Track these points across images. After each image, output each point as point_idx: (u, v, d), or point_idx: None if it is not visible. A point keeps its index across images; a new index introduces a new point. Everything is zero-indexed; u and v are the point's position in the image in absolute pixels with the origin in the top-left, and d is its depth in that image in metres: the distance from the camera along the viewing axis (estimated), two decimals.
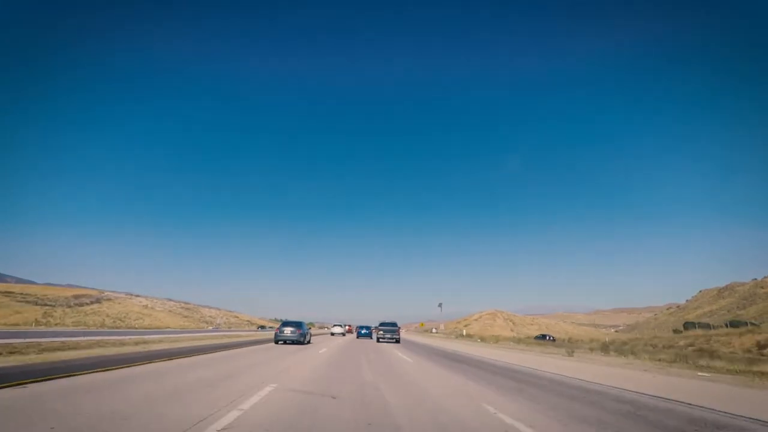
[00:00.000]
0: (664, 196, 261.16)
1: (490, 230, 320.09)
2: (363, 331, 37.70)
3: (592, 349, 20.11)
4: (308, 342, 22.87)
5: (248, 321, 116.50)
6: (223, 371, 8.91)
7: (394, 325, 30.31)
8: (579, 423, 4.95)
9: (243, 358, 12.78)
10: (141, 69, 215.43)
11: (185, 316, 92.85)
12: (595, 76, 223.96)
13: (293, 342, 21.40)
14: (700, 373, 11.29)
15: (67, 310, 66.98)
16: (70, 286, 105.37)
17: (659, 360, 14.97)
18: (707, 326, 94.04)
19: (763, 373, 10.49)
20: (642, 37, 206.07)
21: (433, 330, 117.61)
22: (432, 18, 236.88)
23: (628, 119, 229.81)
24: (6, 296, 68.85)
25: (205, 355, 13.27)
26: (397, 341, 29.28)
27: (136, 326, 65.03)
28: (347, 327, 53.06)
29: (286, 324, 22.31)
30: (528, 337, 55.51)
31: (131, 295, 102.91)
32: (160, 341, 20.73)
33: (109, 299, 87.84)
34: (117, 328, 54.42)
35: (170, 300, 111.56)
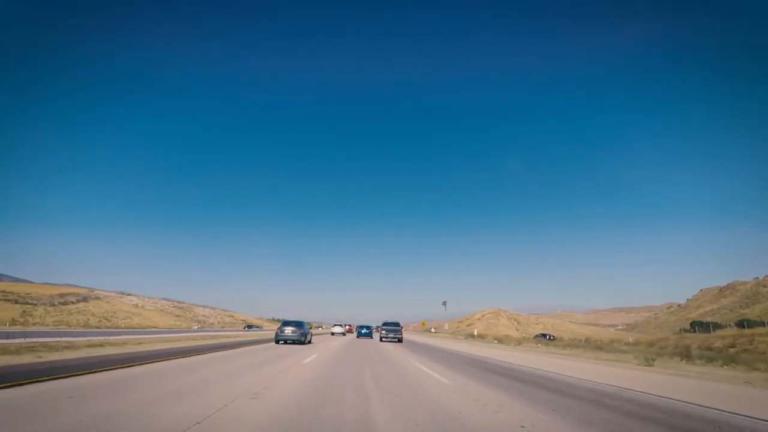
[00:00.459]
0: (662, 195, 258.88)
1: (490, 230, 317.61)
2: (363, 331, 37.48)
3: (659, 355, 16.58)
4: (309, 342, 22.41)
5: (243, 320, 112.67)
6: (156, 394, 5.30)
7: (396, 324, 31.13)
8: None
9: (208, 367, 9.26)
10: (140, 68, 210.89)
11: (177, 316, 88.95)
12: (595, 76, 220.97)
13: (294, 342, 20.96)
14: None
15: (50, 308, 63.07)
16: (67, 285, 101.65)
17: (755, 369, 11.46)
18: (715, 326, 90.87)
19: None
20: (642, 37, 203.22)
21: (432, 330, 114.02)
22: (432, 18, 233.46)
23: (628, 118, 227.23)
24: None
25: (169, 362, 10.49)
26: (400, 340, 30.12)
27: (122, 326, 61.26)
28: (347, 327, 52.43)
29: (286, 324, 21.85)
30: (535, 337, 52.42)
31: (122, 293, 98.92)
32: (124, 343, 17.41)
33: (97, 298, 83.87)
34: (100, 327, 50.73)
35: (164, 299, 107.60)
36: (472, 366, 12.22)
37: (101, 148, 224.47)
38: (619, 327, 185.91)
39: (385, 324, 31.77)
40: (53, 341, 16.47)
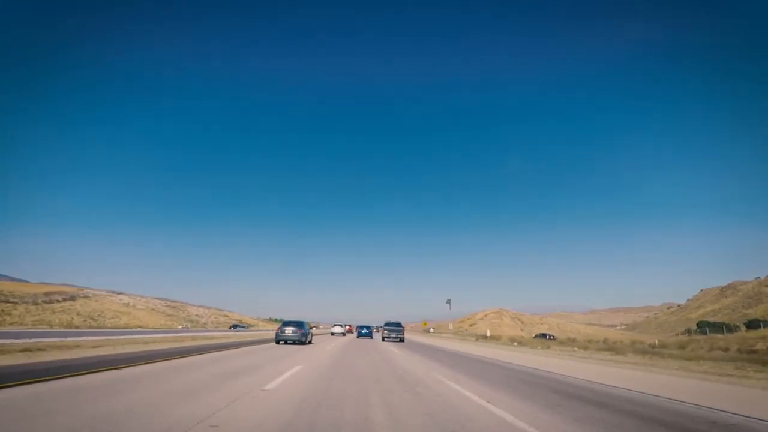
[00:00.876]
0: (661, 195, 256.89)
1: (489, 230, 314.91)
2: (363, 331, 37.26)
3: (713, 360, 13.59)
4: (309, 342, 22.02)
5: (239, 320, 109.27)
6: None
7: (398, 325, 31.30)
8: None
9: (156, 383, 6.11)
10: (139, 68, 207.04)
11: (168, 315, 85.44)
12: (595, 76, 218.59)
13: (294, 342, 20.65)
14: None
15: (32, 307, 59.48)
16: (65, 285, 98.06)
17: None
18: (723, 326, 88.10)
19: None
20: (642, 37, 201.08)
21: (431, 330, 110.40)
22: (432, 18, 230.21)
23: (628, 118, 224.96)
24: None
25: (108, 373, 7.87)
26: (401, 340, 30.27)
27: (108, 325, 57.79)
28: (347, 327, 51.75)
29: (287, 324, 21.60)
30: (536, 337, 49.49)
31: (113, 292, 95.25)
32: (95, 346, 14.35)
33: (86, 297, 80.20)
34: (83, 327, 47.43)
35: (156, 298, 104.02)
36: (523, 382, 8.87)
37: (100, 148, 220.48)
38: (618, 327, 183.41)
39: (387, 324, 32.37)
40: (20, 342, 13.35)
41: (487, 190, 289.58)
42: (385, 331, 31.45)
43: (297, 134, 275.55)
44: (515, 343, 23.66)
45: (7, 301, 59.19)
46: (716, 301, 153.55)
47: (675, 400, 6.89)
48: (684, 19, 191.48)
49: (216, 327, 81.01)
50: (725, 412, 5.77)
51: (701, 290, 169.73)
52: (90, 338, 20.12)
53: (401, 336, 30.58)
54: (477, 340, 31.04)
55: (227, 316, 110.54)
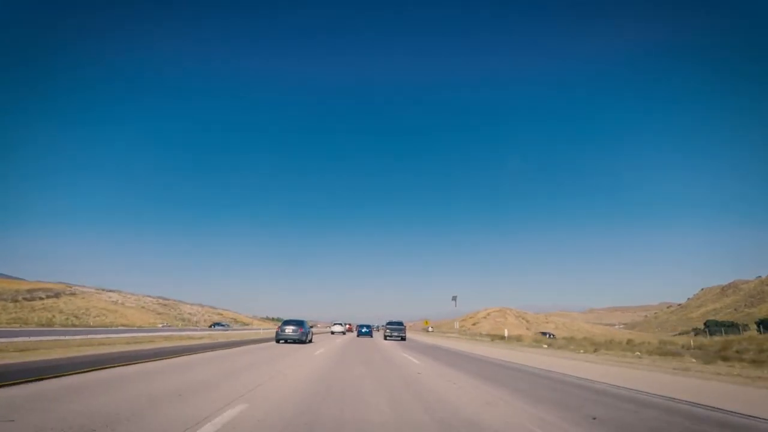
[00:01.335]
0: (660, 195, 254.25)
1: (488, 229, 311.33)
2: (363, 330, 37.37)
3: None
4: (310, 341, 21.73)
5: (233, 319, 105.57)
6: None
7: (400, 324, 31.89)
8: None
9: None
10: (139, 68, 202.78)
11: (159, 313, 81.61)
12: (596, 76, 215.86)
13: (294, 341, 20.34)
14: None
15: (9, 305, 55.58)
16: (60, 283, 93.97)
17: None
18: (733, 326, 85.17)
19: None
20: (642, 37, 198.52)
21: (430, 329, 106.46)
22: (432, 18, 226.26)
23: (628, 118, 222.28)
24: None
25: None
26: (403, 338, 30.68)
27: (91, 324, 53.98)
28: (347, 326, 51.12)
29: (287, 323, 21.35)
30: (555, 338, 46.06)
31: (102, 290, 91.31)
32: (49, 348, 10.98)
33: (73, 294, 76.28)
34: (64, 326, 43.73)
35: (148, 296, 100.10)
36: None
37: (100, 148, 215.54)
38: (617, 326, 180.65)
39: (389, 323, 33.00)
40: None
41: (486, 189, 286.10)
42: (388, 330, 32.21)
43: (297, 134, 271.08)
44: (545, 345, 19.94)
45: None
46: (717, 300, 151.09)
47: None
48: (684, 19, 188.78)
49: (210, 326, 77.29)
50: None
51: (701, 289, 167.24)
52: (51, 338, 16.71)
53: (403, 335, 31.15)
54: (493, 340, 27.38)
55: (221, 314, 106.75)
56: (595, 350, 17.27)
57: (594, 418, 4.95)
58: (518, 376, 9.38)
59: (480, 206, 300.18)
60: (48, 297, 68.50)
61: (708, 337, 66.63)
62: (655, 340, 33.30)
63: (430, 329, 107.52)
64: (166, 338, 21.74)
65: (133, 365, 8.84)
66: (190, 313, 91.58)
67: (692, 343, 26.73)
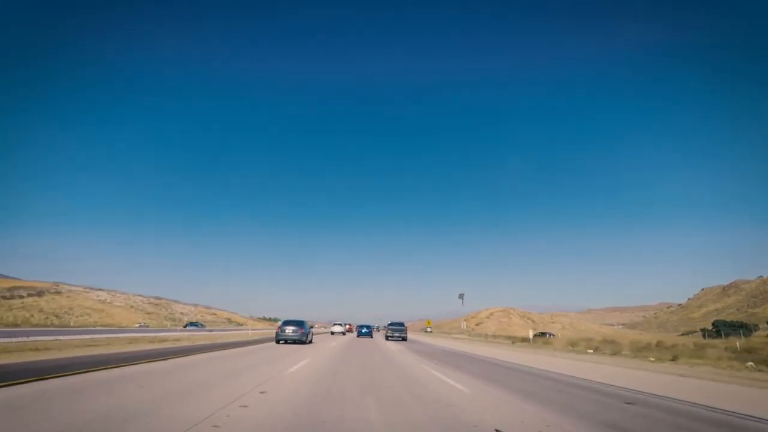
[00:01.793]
0: (660, 195, 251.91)
1: (487, 229, 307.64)
2: (363, 330, 37.31)
3: None
4: (310, 342, 21.37)
5: (227, 319, 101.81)
6: None
7: (401, 324, 31.93)
8: None
9: None
10: (139, 68, 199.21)
11: (149, 313, 77.76)
12: (596, 76, 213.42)
13: (294, 342, 19.89)
14: None
15: None
16: (56, 282, 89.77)
17: None
18: (742, 326, 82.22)
19: None
20: (642, 37, 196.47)
21: (428, 329, 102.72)
22: (432, 18, 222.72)
23: (628, 118, 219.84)
24: None
25: None
26: (404, 339, 30.57)
27: (72, 324, 50.22)
28: (347, 326, 50.55)
29: (287, 323, 20.92)
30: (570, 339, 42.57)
31: (91, 288, 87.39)
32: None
33: (58, 292, 72.35)
34: (43, 326, 40.06)
35: (139, 295, 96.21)
36: None
37: (100, 148, 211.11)
38: (617, 326, 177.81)
39: (391, 324, 33.04)
40: None
41: (486, 189, 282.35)
42: (389, 331, 32.23)
43: (297, 134, 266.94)
44: (590, 350, 16.23)
45: None
46: (718, 300, 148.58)
47: None
48: (684, 19, 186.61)
49: (210, 328, 73.52)
50: None
51: (702, 289, 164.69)
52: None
53: (404, 335, 31.29)
54: (514, 343, 23.47)
55: (215, 314, 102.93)
56: (673, 358, 13.86)
57: None
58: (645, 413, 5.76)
59: (479, 206, 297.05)
60: (29, 295, 64.61)
61: (724, 338, 63.48)
62: (688, 342, 30.02)
63: (428, 329, 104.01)
64: (131, 341, 18.18)
65: (43, 381, 5.42)
66: (182, 313, 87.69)
67: (738, 346, 23.38)
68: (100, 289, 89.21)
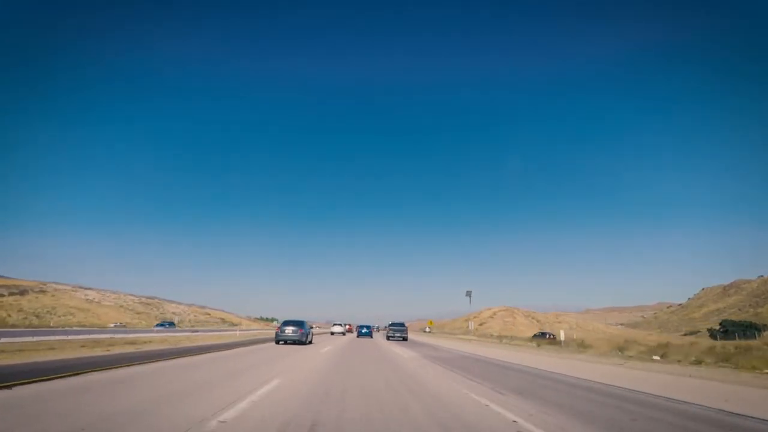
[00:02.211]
0: (659, 195, 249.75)
1: (486, 228, 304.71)
2: (363, 331, 37.32)
3: None
4: (310, 342, 20.93)
5: (221, 318, 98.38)
6: None
7: (402, 325, 31.79)
8: None
9: None
10: (138, 68, 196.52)
11: (139, 313, 74.28)
12: (596, 75, 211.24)
13: (294, 342, 19.57)
14: None
15: None
16: (43, 281, 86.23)
17: None
18: (751, 326, 79.56)
19: None
20: (642, 37, 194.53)
21: (427, 329, 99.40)
22: (432, 18, 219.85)
23: (628, 118, 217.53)
24: None
25: None
26: (405, 339, 30.55)
27: (51, 324, 46.85)
28: (347, 326, 49.76)
29: (287, 323, 20.50)
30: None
31: (80, 287, 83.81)
32: None
33: (42, 291, 68.73)
34: (19, 326, 36.80)
35: (131, 294, 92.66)
36: None
37: (101, 148, 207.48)
38: (620, 327, 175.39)
39: (392, 324, 33.16)
40: None
41: (486, 189, 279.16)
42: (390, 331, 32.25)
43: (297, 134, 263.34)
44: (656, 357, 13.12)
45: None
46: (719, 300, 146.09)
47: None
48: (684, 19, 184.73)
49: (193, 326, 70.13)
50: None
51: (702, 289, 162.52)
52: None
53: (405, 335, 31.34)
54: (539, 345, 20.10)
55: (209, 314, 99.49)
56: (697, 360, 10.82)
57: None
58: None
59: (479, 206, 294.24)
60: (11, 294, 61.02)
61: (738, 339, 60.70)
62: (716, 344, 27.11)
63: (427, 329, 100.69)
64: (93, 343, 14.96)
65: None
66: (174, 313, 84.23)
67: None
68: (89, 288, 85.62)
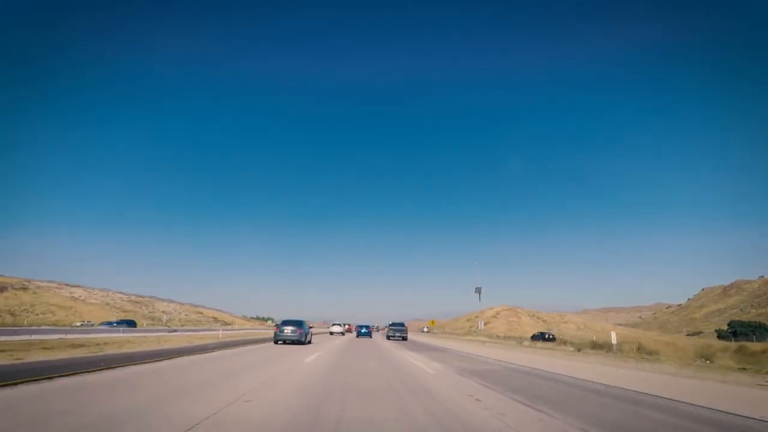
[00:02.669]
0: (658, 195, 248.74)
1: (486, 229, 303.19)
2: (362, 331, 36.99)
3: None
4: (309, 342, 20.69)
5: (214, 318, 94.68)
6: None
7: (401, 325, 31.51)
8: None
9: None
10: (138, 68, 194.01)
11: (126, 311, 70.49)
12: (596, 76, 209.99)
13: (293, 342, 19.35)
14: None
15: None
16: (27, 278, 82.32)
17: None
18: (760, 326, 76.85)
19: None
20: (642, 37, 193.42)
21: (425, 329, 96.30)
22: (432, 18, 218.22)
23: (627, 118, 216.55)
24: None
25: None
26: (404, 338, 30.36)
27: (25, 323, 43.19)
28: (346, 326, 49.07)
29: (286, 323, 20.13)
30: (582, 339, 36.26)
31: (66, 285, 79.95)
32: None
33: (23, 288, 64.81)
34: None
35: (120, 292, 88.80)
36: None
37: (100, 147, 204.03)
38: (621, 327, 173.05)
39: (392, 324, 32.99)
40: None
41: (485, 189, 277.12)
42: (390, 330, 31.90)
43: (297, 134, 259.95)
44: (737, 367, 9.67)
45: None
46: (720, 301, 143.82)
47: None
48: (684, 19, 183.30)
49: (183, 325, 66.53)
50: None
51: (702, 289, 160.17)
52: None
53: (404, 335, 31.00)
54: (579, 350, 16.44)
55: (201, 313, 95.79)
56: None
57: None
58: None
59: (478, 206, 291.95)
60: None
61: (755, 340, 57.82)
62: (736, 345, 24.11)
63: (425, 330, 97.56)
64: (39, 347, 11.57)
65: None
66: (164, 312, 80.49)
67: None
68: (76, 286, 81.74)
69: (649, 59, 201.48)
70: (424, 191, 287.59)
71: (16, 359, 8.71)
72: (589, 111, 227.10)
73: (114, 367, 8.10)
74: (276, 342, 19.66)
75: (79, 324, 31.63)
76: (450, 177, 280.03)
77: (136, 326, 34.78)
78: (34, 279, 76.67)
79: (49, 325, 40.82)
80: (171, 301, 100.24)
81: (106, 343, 14.32)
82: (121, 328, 29.12)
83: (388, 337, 31.33)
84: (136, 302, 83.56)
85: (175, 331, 31.04)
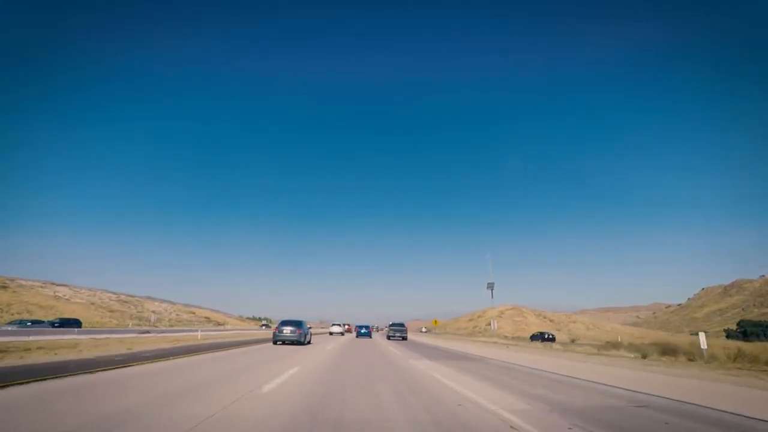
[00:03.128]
0: (657, 195, 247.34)
1: (485, 229, 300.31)
2: (362, 331, 37.00)
3: None
4: (308, 342, 20.42)
5: (206, 318, 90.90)
6: None
7: (401, 325, 32.53)
8: None
9: None
10: (138, 68, 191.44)
11: (113, 311, 66.66)
12: (596, 76, 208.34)
13: (292, 342, 18.95)
14: None
15: None
16: (10, 277, 78.44)
17: None
18: None
19: None
20: (642, 37, 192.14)
21: (423, 329, 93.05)
22: (432, 18, 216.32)
23: (628, 118, 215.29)
24: None
25: None
26: (404, 338, 31.07)
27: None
28: (346, 326, 48.91)
29: (285, 323, 19.77)
30: (588, 339, 33.18)
31: (52, 284, 75.92)
32: None
33: (4, 287, 60.96)
34: None
35: (109, 292, 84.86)
36: None
37: (101, 147, 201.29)
38: (630, 328, 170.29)
39: (392, 324, 33.54)
40: None
41: (485, 189, 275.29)
42: (391, 330, 32.26)
43: (297, 134, 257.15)
44: None
45: None
46: (720, 300, 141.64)
47: None
48: (684, 19, 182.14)
49: (173, 326, 62.84)
50: None
51: (702, 289, 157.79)
52: None
53: (404, 335, 31.32)
54: (645, 356, 12.57)
55: (194, 312, 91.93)
56: None
57: None
58: None
59: (478, 206, 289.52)
60: None
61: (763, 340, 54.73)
62: None
63: (423, 330, 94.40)
64: None
65: None
66: (153, 312, 76.59)
67: None
68: (62, 285, 77.75)
69: (649, 59, 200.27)
70: (424, 191, 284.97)
71: None
72: (589, 111, 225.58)
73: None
74: (275, 342, 19.27)
75: (29, 324, 25.66)
76: (450, 177, 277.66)
77: (80, 326, 28.75)
78: (17, 277, 72.68)
79: None
80: (164, 301, 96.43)
81: (26, 350, 10.83)
82: (18, 328, 23.50)
83: (389, 337, 31.77)
84: (125, 302, 79.68)
85: (147, 332, 27.25)
